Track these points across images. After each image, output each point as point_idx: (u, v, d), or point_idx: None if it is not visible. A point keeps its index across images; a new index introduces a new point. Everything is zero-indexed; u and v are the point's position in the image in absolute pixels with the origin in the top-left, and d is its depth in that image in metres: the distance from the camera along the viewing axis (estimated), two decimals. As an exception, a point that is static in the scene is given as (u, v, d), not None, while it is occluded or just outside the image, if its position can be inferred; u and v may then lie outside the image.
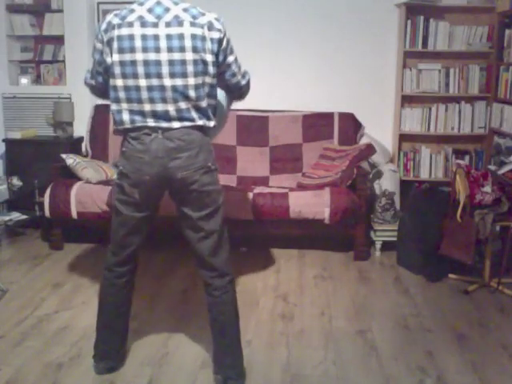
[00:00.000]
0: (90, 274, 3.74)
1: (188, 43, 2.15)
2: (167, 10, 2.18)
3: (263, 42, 4.83)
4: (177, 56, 2.15)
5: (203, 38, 2.17)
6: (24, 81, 5.02)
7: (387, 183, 4.44)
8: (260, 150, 4.66)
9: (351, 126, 4.64)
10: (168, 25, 2.15)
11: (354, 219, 4.00)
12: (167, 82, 2.17)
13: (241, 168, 4.64)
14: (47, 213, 4.08)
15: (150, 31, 2.15)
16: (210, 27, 2.20)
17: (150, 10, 2.17)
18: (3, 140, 4.82)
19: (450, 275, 3.75)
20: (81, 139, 4.91)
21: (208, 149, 2.31)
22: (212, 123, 2.30)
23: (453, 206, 3.55)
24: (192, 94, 2.19)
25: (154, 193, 2.35)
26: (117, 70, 2.18)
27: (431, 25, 4.59)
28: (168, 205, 3.94)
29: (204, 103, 2.24)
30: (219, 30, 2.22)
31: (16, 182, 4.62)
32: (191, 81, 2.18)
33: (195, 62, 2.17)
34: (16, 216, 4.57)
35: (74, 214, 4.03)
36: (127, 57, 2.16)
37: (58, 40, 4.89)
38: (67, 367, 2.62)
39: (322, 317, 3.19)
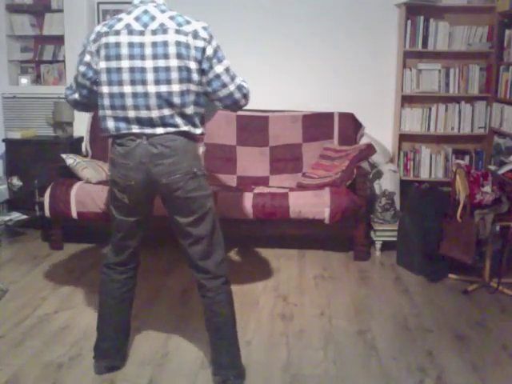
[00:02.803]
0: (90, 274, 3.74)
1: (172, 50, 2.18)
2: (153, 18, 2.22)
3: (263, 42, 4.83)
4: (161, 63, 2.18)
5: (187, 46, 2.19)
6: (24, 81, 5.02)
7: (387, 183, 4.44)
8: (260, 150, 4.66)
9: (351, 125, 4.64)
10: (154, 32, 2.19)
11: (354, 219, 4.00)
12: (152, 88, 2.20)
13: (241, 168, 4.64)
14: (47, 213, 4.08)
15: (136, 39, 2.20)
16: (195, 35, 2.21)
17: (137, 19, 2.22)
18: (3, 140, 4.82)
19: (450, 275, 3.75)
20: (81, 139, 4.91)
21: (193, 155, 2.32)
22: (198, 130, 2.31)
23: (453, 206, 3.55)
24: (176, 100, 2.21)
25: (142, 198, 2.37)
26: (103, 77, 2.23)
27: (431, 25, 4.59)
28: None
29: (189, 110, 2.25)
30: (204, 39, 2.22)
31: (16, 181, 4.62)
32: (175, 87, 2.20)
33: (180, 68, 2.19)
34: (16, 216, 4.57)
35: (74, 214, 4.03)
36: (113, 64, 2.21)
37: (58, 40, 4.90)
38: (67, 367, 2.62)
39: (322, 317, 3.19)
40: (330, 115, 4.65)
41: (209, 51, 2.23)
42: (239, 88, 2.33)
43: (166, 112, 2.22)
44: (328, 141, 4.61)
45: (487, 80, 4.65)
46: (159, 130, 2.23)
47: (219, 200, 3.94)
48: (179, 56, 2.18)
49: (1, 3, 4.88)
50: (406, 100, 4.79)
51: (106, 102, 2.24)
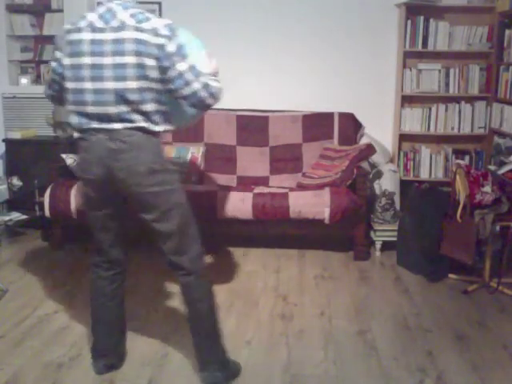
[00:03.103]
0: (90, 274, 3.73)
1: (130, 47, 2.19)
2: (115, 15, 2.24)
3: (263, 42, 4.83)
4: (119, 60, 2.20)
5: (146, 43, 2.19)
6: (24, 81, 5.02)
7: (387, 183, 4.44)
8: (260, 150, 4.66)
9: (351, 125, 4.64)
10: (114, 30, 2.21)
11: (354, 219, 4.00)
12: (110, 85, 2.22)
13: (241, 168, 4.64)
14: (47, 213, 4.08)
15: (97, 36, 2.23)
16: (155, 33, 2.20)
17: (100, 16, 2.25)
18: (3, 140, 4.82)
19: (450, 275, 3.75)
20: (81, 139, 4.90)
21: (153, 150, 2.30)
22: (159, 128, 2.29)
23: (453, 206, 3.55)
24: (133, 97, 2.22)
25: (104, 191, 2.37)
26: (68, 73, 2.28)
27: (431, 25, 4.59)
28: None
29: (148, 107, 2.24)
30: (164, 36, 2.20)
31: (16, 181, 4.62)
32: (132, 84, 2.21)
33: (137, 65, 2.20)
34: (16, 216, 4.57)
35: (74, 214, 4.03)
36: (76, 60, 2.25)
37: (58, 40, 4.89)
38: (67, 367, 2.62)
39: (322, 317, 3.19)
40: (329, 115, 4.65)
41: (170, 48, 2.20)
42: (205, 86, 2.27)
43: (124, 108, 2.23)
44: (328, 141, 4.61)
45: (487, 80, 4.65)
46: (117, 126, 2.25)
47: (219, 200, 3.94)
48: (137, 53, 2.19)
49: (1, 3, 4.88)
50: (406, 100, 4.79)
51: (70, 97, 2.30)
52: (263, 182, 4.56)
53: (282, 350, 2.81)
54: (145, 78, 2.21)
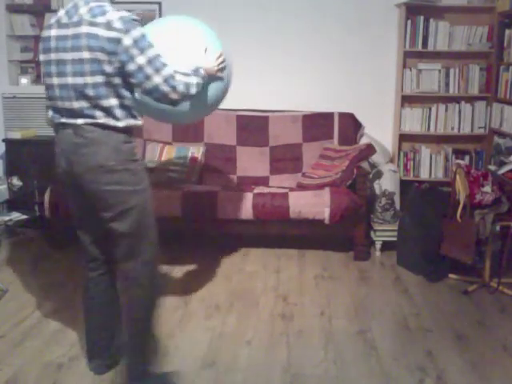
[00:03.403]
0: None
1: (85, 42, 2.18)
2: (77, 10, 2.24)
3: (263, 42, 4.83)
4: (77, 55, 2.21)
5: (98, 37, 2.17)
6: (24, 81, 5.02)
7: (387, 183, 4.44)
8: (260, 150, 4.66)
9: (351, 126, 4.64)
10: (74, 25, 2.22)
11: (354, 219, 3.99)
12: (70, 80, 2.24)
13: (241, 168, 4.64)
14: (47, 213, 4.08)
15: (62, 32, 2.25)
16: (108, 26, 2.16)
17: (66, 12, 2.27)
18: (3, 140, 4.82)
19: (450, 275, 3.75)
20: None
21: (113, 147, 2.25)
22: (121, 123, 2.25)
23: (453, 206, 3.55)
24: (90, 92, 2.21)
25: (71, 186, 2.37)
26: (42, 69, 2.35)
27: (431, 25, 4.58)
28: (167, 205, 3.95)
29: (107, 102, 2.23)
30: (119, 30, 2.15)
31: (16, 181, 4.62)
32: (89, 80, 2.20)
33: (92, 60, 2.19)
34: (16, 216, 4.57)
35: (74, 214, 4.03)
36: (46, 57, 2.30)
37: (58, 40, 4.89)
38: (67, 367, 2.62)
39: (322, 317, 3.19)
40: (329, 115, 4.65)
41: (126, 42, 2.15)
42: (166, 80, 2.22)
43: (84, 104, 2.23)
44: (328, 141, 4.61)
45: (487, 80, 4.65)
46: (80, 121, 2.26)
47: (219, 200, 3.94)
48: (90, 48, 2.18)
49: (1, 3, 4.88)
50: (406, 100, 4.79)
51: (46, 93, 2.36)
52: (263, 182, 4.56)
53: (282, 349, 2.81)
54: (101, 72, 2.19)
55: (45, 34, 2.30)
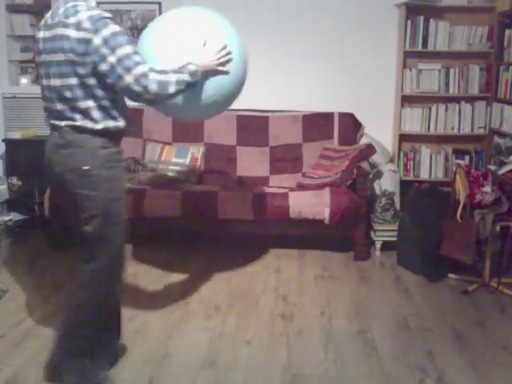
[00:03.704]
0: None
1: (60, 44, 2.19)
2: (58, 11, 2.26)
3: (263, 42, 4.83)
4: (56, 57, 2.22)
5: (69, 39, 2.16)
6: (24, 81, 5.02)
7: (387, 183, 4.44)
8: (260, 150, 4.66)
9: (351, 126, 4.64)
10: (54, 26, 2.23)
11: (354, 219, 3.99)
12: (52, 82, 2.26)
13: (241, 168, 4.64)
14: (47, 213, 4.08)
15: (47, 33, 2.27)
16: (78, 27, 2.14)
17: (51, 13, 2.30)
18: (3, 140, 4.82)
19: (450, 275, 3.75)
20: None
21: (90, 152, 2.25)
22: (99, 126, 2.24)
23: (453, 206, 3.55)
24: (67, 94, 2.22)
25: (57, 186, 2.43)
26: (37, 70, 2.40)
27: (431, 25, 4.58)
28: (167, 205, 3.95)
29: (83, 104, 2.22)
30: (88, 30, 2.12)
31: (16, 182, 4.62)
32: (65, 82, 2.21)
33: (66, 62, 2.19)
34: (16, 216, 4.57)
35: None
36: (38, 58, 2.34)
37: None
38: (67, 367, 2.62)
39: (322, 317, 3.19)
40: (329, 115, 4.65)
41: (96, 41, 2.12)
42: (138, 79, 2.14)
43: (64, 106, 2.25)
44: (328, 141, 4.61)
45: (487, 80, 4.65)
46: (63, 123, 2.28)
47: (219, 200, 3.94)
48: (63, 50, 2.18)
49: (1, 3, 4.88)
50: (406, 100, 4.79)
51: (41, 93, 2.38)
52: (263, 182, 4.56)
53: (282, 349, 2.81)
54: (74, 74, 2.19)
55: (36, 35, 2.33)
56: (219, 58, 2.46)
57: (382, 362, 2.70)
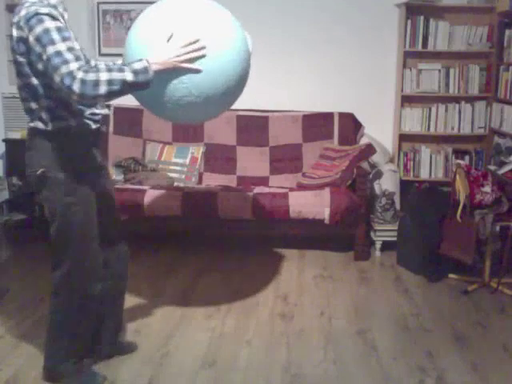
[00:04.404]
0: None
1: (10, 44, 2.18)
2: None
3: (263, 42, 4.82)
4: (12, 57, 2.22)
5: (13, 38, 2.13)
6: (24, 81, 5.01)
7: (387, 183, 4.43)
8: (260, 149, 4.66)
9: (351, 125, 4.63)
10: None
11: (354, 219, 3.99)
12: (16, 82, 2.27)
13: (241, 168, 4.64)
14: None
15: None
16: (18, 26, 2.09)
17: None
18: (3, 140, 4.82)
19: (450, 275, 3.75)
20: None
21: (46, 154, 2.22)
22: (49, 126, 2.20)
23: (453, 206, 3.55)
24: (21, 95, 2.23)
25: None
26: None
27: (431, 25, 4.58)
28: (167, 205, 3.94)
29: (34, 105, 2.20)
30: (23, 28, 2.06)
31: (16, 181, 4.62)
32: (18, 82, 2.22)
33: (14, 62, 2.19)
34: (16, 216, 4.57)
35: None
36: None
37: (58, 40, 4.89)
38: (67, 367, 2.62)
39: (322, 317, 3.19)
40: (329, 115, 4.65)
41: (30, 40, 2.05)
42: (63, 79, 1.99)
43: (23, 107, 2.25)
44: (328, 141, 4.61)
45: (487, 80, 4.65)
46: (29, 124, 2.28)
47: (219, 200, 3.94)
48: (12, 50, 2.17)
49: (1, 3, 4.88)
50: (406, 100, 4.79)
51: None
52: (263, 182, 4.56)
53: (282, 349, 2.81)
54: (21, 74, 2.18)
55: None
56: (181, 55, 2.15)
57: (382, 362, 2.70)
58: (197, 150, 4.57)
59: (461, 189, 3.46)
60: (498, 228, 3.58)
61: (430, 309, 3.31)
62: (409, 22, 4.58)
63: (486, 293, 3.51)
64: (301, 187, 4.28)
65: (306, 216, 3.93)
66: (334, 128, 4.62)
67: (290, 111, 4.72)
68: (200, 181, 4.52)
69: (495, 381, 2.55)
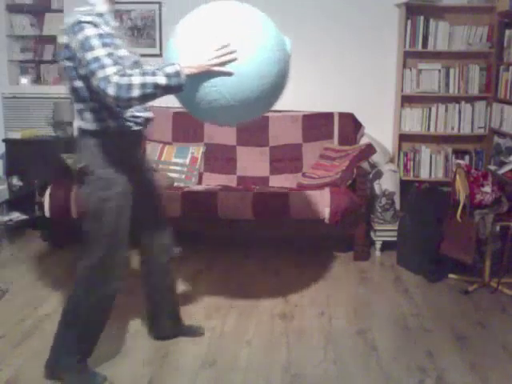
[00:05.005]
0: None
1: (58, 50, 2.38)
2: None
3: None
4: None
5: (62, 45, 2.28)
6: (24, 81, 5.02)
7: (387, 183, 4.44)
8: (260, 149, 4.66)
9: (351, 126, 4.63)
10: None
11: (354, 219, 3.99)
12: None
13: (241, 168, 4.64)
14: (47, 213, 4.08)
15: None
16: (64, 33, 2.27)
17: None
18: (3, 140, 4.82)
19: (450, 275, 3.75)
20: (81, 139, 4.91)
21: (90, 151, 2.38)
22: (92, 126, 2.34)
23: (453, 206, 3.55)
24: (71, 97, 2.37)
25: None
26: None
27: (431, 25, 4.58)
28: (167, 205, 3.94)
29: (78, 106, 2.35)
30: (69, 35, 2.23)
31: (16, 181, 4.62)
32: (67, 85, 2.35)
33: (64, 67, 2.32)
34: (16, 216, 4.57)
35: (74, 214, 4.03)
36: None
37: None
38: (67, 367, 2.62)
39: (322, 317, 3.19)
40: (329, 115, 4.65)
41: (73, 46, 2.21)
42: (100, 83, 2.12)
43: (74, 107, 2.40)
44: (328, 141, 4.61)
45: (487, 80, 4.65)
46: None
47: (219, 200, 3.94)
48: (58, 55, 2.34)
49: (1, 3, 4.88)
50: (406, 100, 4.79)
51: None
52: (263, 182, 4.56)
53: (282, 349, 2.81)
54: (68, 78, 2.31)
55: None
56: (213, 59, 2.21)
57: (382, 361, 2.70)
58: (197, 150, 4.57)
59: (461, 189, 3.46)
60: (498, 228, 3.58)
61: (429, 309, 3.31)
62: (409, 22, 4.58)
63: (486, 293, 3.51)
64: (301, 187, 4.28)
65: (306, 216, 3.93)
66: (334, 128, 4.63)
67: (289, 111, 4.72)
68: (200, 181, 4.52)
69: (495, 381, 2.55)
